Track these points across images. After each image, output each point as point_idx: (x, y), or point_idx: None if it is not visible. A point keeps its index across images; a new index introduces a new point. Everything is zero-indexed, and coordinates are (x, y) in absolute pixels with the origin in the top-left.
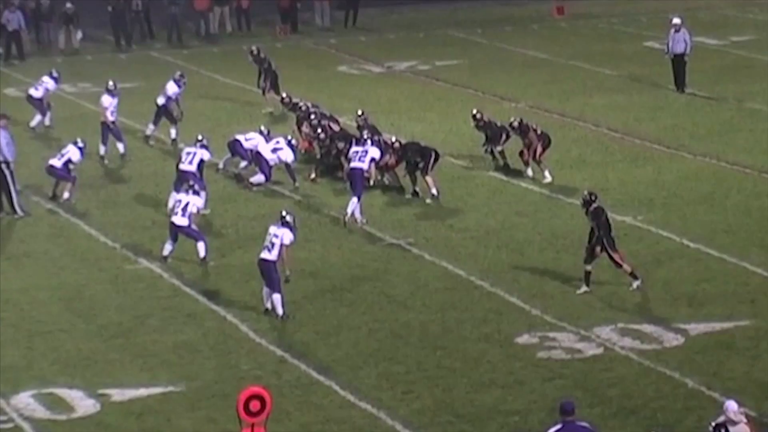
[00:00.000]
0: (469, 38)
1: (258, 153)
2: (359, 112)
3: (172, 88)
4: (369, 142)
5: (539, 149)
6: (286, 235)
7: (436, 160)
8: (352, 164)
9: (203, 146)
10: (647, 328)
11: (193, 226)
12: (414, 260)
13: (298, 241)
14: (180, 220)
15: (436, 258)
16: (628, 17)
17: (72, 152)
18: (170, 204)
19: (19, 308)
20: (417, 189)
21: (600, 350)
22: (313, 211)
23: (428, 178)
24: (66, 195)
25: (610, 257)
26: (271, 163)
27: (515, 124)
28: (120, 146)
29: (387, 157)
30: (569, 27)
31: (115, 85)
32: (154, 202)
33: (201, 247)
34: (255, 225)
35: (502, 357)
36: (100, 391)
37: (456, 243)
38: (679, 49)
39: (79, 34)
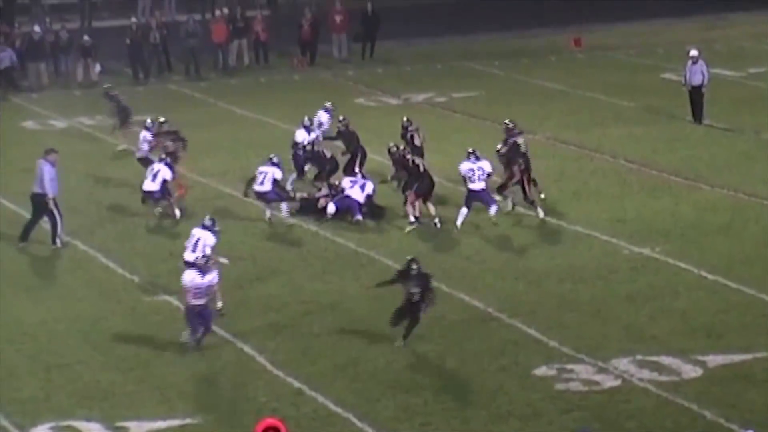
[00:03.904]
0: (486, 70)
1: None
2: (341, 117)
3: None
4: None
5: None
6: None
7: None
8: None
9: (275, 164)
10: (665, 359)
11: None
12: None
13: (315, 271)
14: (191, 257)
15: (453, 290)
16: (645, 49)
17: (163, 171)
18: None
19: (38, 340)
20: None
21: (618, 382)
22: (330, 243)
23: (429, 205)
24: (177, 213)
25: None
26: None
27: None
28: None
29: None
30: (586, 59)
31: (153, 122)
32: (172, 234)
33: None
34: (272, 257)
35: (520, 389)
36: (118, 424)
37: (473, 275)
38: (697, 80)
39: (98, 67)
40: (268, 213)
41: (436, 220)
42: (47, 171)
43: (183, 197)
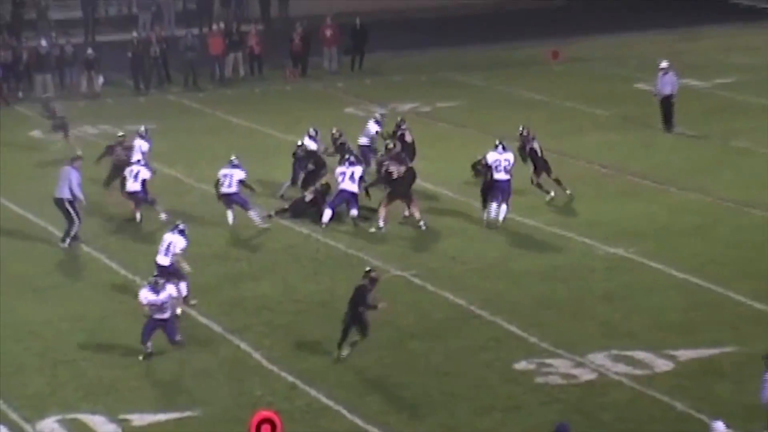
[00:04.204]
0: (468, 81)
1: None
2: (334, 130)
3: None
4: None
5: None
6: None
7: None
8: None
9: (235, 166)
10: (639, 354)
11: (180, 266)
12: (417, 291)
13: (308, 272)
14: (163, 260)
15: (438, 289)
16: (619, 60)
17: (142, 172)
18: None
19: (44, 338)
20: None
21: (594, 376)
22: (321, 245)
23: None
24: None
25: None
26: None
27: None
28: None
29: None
30: (564, 70)
31: (146, 130)
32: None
33: (183, 286)
34: (266, 258)
35: (502, 383)
36: (121, 417)
37: (457, 274)
38: (667, 90)
39: (101, 79)
40: (230, 217)
41: (421, 222)
42: (74, 177)
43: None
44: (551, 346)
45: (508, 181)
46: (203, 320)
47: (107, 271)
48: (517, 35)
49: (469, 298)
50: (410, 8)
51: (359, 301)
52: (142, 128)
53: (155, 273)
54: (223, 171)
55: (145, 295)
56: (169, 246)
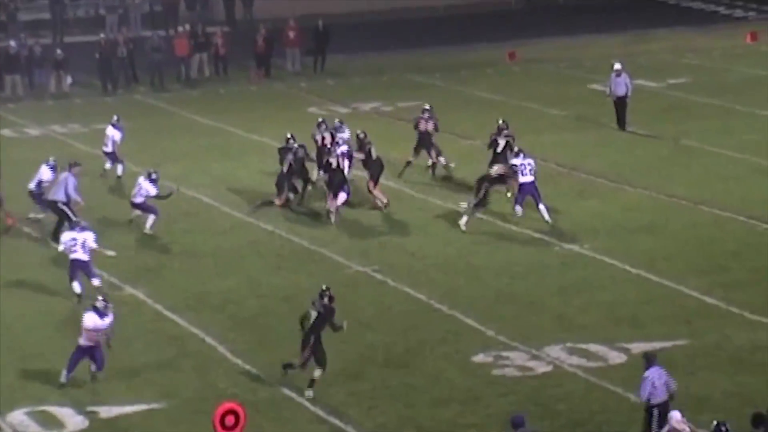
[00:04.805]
0: (428, 82)
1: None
2: (359, 131)
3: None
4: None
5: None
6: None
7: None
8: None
9: (152, 181)
10: (593, 347)
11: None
12: (379, 286)
13: (271, 267)
14: (82, 256)
15: (399, 284)
16: (574, 62)
17: (145, 186)
18: (64, 242)
19: (15, 333)
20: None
21: (550, 368)
22: (285, 240)
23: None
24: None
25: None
26: None
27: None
28: (119, 168)
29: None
30: (521, 71)
31: (118, 119)
32: (137, 232)
33: (96, 281)
34: (232, 254)
35: (460, 375)
36: (89, 409)
37: (417, 270)
38: (621, 91)
39: (69, 79)
40: (148, 225)
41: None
42: (71, 182)
43: (12, 227)
44: (508, 339)
45: (533, 182)
46: (169, 314)
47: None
48: (474, 37)
49: (429, 292)
50: (371, 11)
51: (322, 326)
52: (115, 117)
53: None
54: (140, 180)
55: (93, 320)
56: (83, 244)
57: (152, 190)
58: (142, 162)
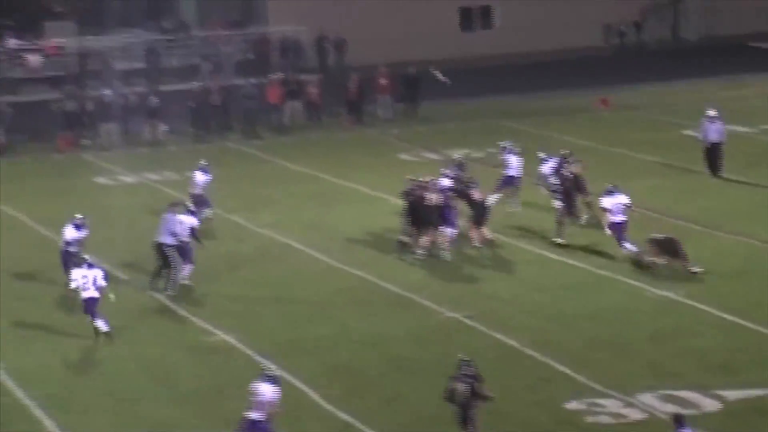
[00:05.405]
0: (520, 127)
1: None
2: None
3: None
4: None
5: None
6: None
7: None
8: None
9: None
10: (687, 394)
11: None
12: (469, 331)
13: (362, 313)
14: (93, 293)
15: (490, 330)
16: (666, 108)
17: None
18: (75, 280)
19: (108, 377)
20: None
21: (644, 415)
22: (376, 286)
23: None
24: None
25: None
26: None
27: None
28: (207, 212)
29: None
30: (612, 117)
31: (206, 163)
32: (227, 276)
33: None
34: (323, 300)
35: (553, 422)
36: None
37: (508, 315)
38: (714, 137)
39: (163, 127)
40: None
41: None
42: (176, 222)
43: None
44: (601, 385)
45: (624, 222)
46: (261, 360)
47: (165, 312)
48: (566, 83)
49: (520, 338)
50: (462, 57)
51: (476, 398)
52: (203, 161)
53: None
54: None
55: (268, 391)
56: (94, 280)
57: (192, 222)
58: (235, 208)
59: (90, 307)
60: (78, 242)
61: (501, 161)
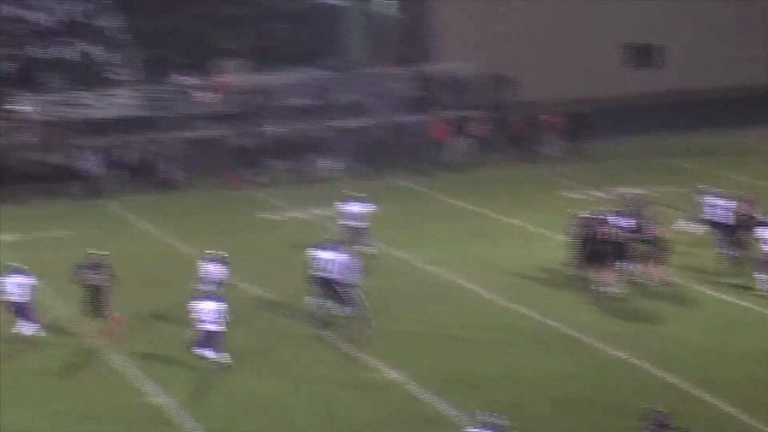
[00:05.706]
0: (686, 166)
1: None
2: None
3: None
4: None
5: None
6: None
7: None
8: None
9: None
10: None
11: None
12: (634, 371)
13: (527, 351)
14: (215, 327)
15: (655, 369)
16: None
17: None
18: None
19: (271, 415)
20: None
21: None
22: (541, 324)
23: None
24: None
25: None
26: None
27: None
28: (371, 248)
29: None
30: None
31: (364, 197)
32: (389, 315)
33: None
34: (486, 337)
35: None
36: None
37: (674, 355)
38: None
39: (334, 164)
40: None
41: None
42: (343, 259)
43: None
44: None
45: None
46: (427, 398)
47: (329, 348)
48: (732, 121)
49: (686, 379)
50: (628, 95)
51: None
52: (362, 195)
53: None
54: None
55: None
56: (219, 313)
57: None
58: (402, 245)
59: (207, 340)
60: (219, 277)
61: (699, 203)
